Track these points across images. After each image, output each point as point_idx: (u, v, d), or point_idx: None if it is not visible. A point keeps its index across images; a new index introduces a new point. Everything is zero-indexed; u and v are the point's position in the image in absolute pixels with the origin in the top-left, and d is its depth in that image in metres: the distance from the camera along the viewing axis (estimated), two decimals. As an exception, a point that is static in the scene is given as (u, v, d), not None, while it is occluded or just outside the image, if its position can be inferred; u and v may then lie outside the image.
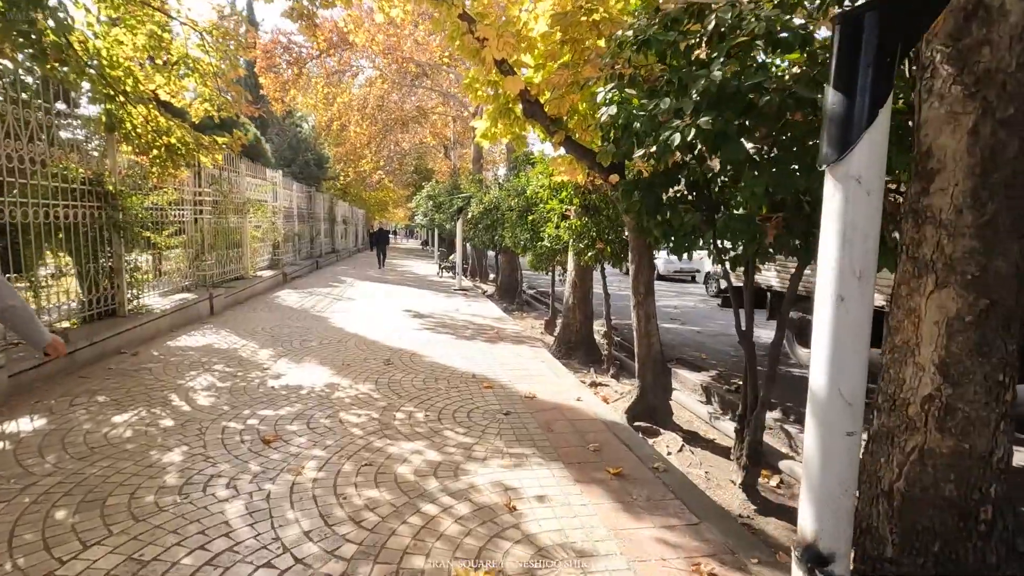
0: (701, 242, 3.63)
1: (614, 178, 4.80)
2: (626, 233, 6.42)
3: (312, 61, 13.43)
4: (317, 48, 12.08)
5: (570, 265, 7.67)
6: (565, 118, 4.92)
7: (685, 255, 3.76)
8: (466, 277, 16.05)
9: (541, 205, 8.29)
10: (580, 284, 7.57)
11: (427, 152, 28.37)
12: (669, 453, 4.52)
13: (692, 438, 5.00)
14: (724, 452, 4.75)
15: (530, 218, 8.43)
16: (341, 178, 30.26)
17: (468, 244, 15.89)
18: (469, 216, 12.90)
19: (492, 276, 19.95)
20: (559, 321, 9.89)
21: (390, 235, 23.58)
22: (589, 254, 6.24)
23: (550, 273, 9.18)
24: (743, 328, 3.80)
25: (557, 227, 7.10)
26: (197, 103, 7.04)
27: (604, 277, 6.65)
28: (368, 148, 18.21)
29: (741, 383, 3.94)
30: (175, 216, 8.07)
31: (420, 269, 20.36)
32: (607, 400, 5.65)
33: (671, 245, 3.63)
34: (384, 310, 9.68)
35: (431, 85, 18.14)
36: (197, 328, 7.40)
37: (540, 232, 8.46)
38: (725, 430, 5.13)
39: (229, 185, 10.10)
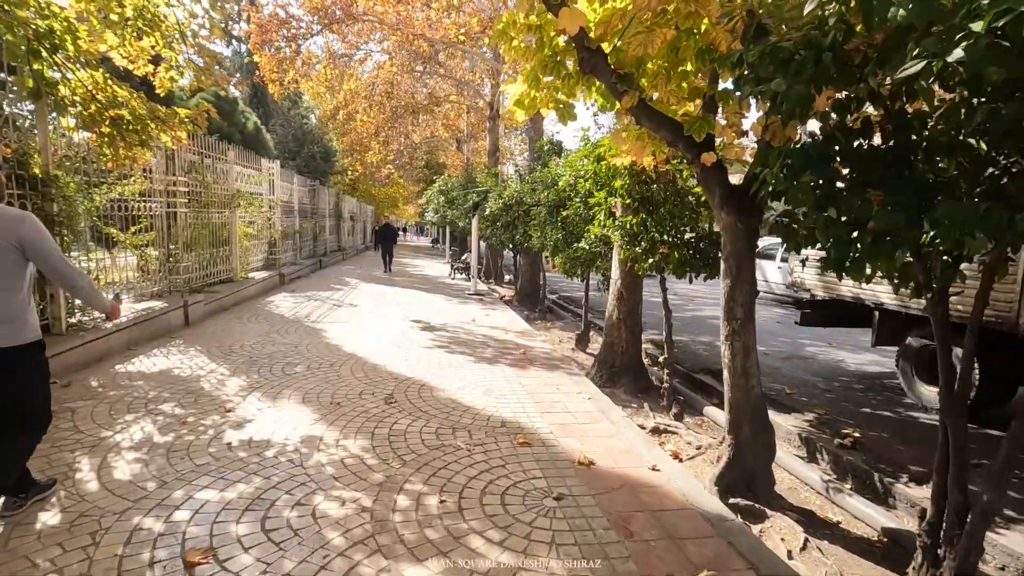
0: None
1: (708, 157, 3.41)
2: (688, 235, 5.04)
3: (312, 37, 12.11)
4: (316, 18, 10.76)
5: (615, 272, 6.28)
6: (636, 73, 3.53)
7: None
8: (480, 279, 14.69)
9: (577, 200, 6.91)
10: (628, 296, 6.17)
11: (438, 146, 27.04)
12: (790, 556, 3.13)
13: (808, 520, 3.60)
14: (863, 549, 3.35)
15: (563, 214, 7.04)
16: (349, 172, 29.07)
17: (483, 243, 14.56)
18: (486, 213, 11.54)
19: (508, 278, 18.61)
20: (593, 335, 8.51)
21: (398, 232, 21.98)
22: (649, 260, 4.85)
23: (584, 279, 7.80)
24: (953, 390, 2.38)
25: (603, 226, 5.71)
26: (163, 70, 5.73)
27: (665, 290, 5.25)
28: (376, 139, 16.83)
29: (936, 473, 2.52)
30: (141, 209, 6.78)
31: (431, 270, 19.06)
32: (679, 456, 4.27)
33: (846, 258, 2.23)
34: (389, 320, 8.35)
35: (444, 72, 16.79)
36: (163, 344, 6.11)
37: (576, 231, 7.08)
38: (853, 510, 3.72)
39: (214, 175, 8.82)
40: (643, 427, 4.70)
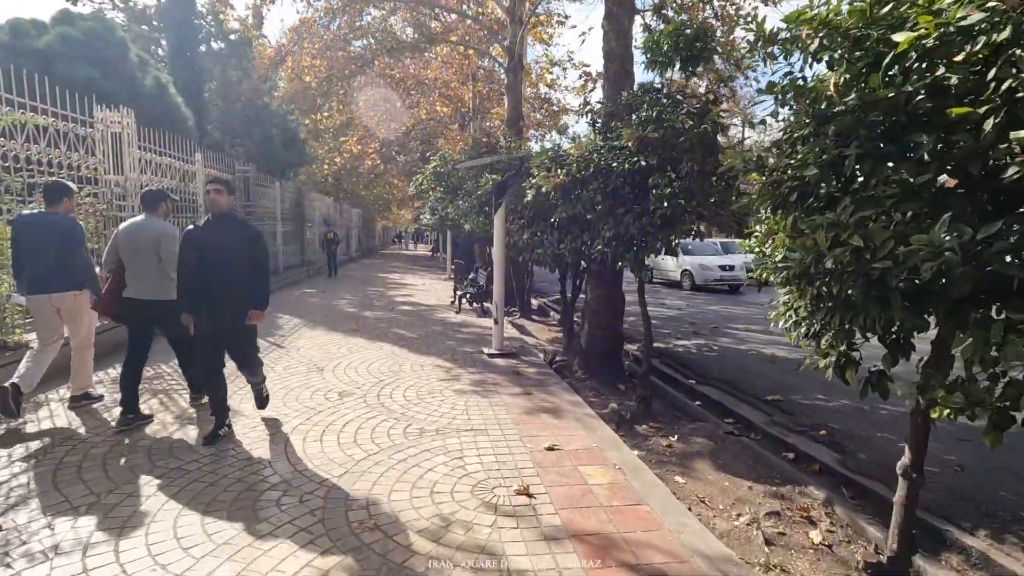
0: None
1: None
2: None
3: None
4: None
5: None
6: None
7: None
8: (491, 308, 8.82)
9: None
10: None
11: (436, 130, 21.28)
12: None
13: None
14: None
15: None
16: (326, 165, 23.40)
17: (505, 254, 8.67)
18: (526, 200, 5.74)
19: (536, 304, 12.77)
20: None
21: (339, 244, 13.87)
22: None
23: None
24: None
25: None
26: None
27: None
28: (326, 84, 10.98)
29: None
30: None
31: (427, 293, 13.30)
32: None
33: None
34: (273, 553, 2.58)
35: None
36: None
37: None
38: None
39: None
40: None
